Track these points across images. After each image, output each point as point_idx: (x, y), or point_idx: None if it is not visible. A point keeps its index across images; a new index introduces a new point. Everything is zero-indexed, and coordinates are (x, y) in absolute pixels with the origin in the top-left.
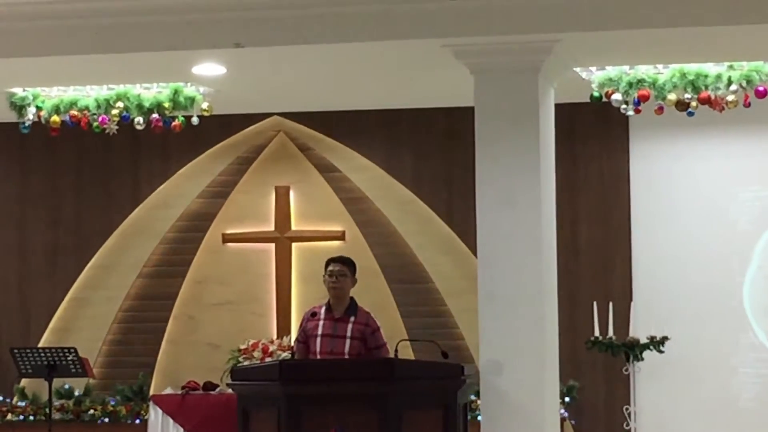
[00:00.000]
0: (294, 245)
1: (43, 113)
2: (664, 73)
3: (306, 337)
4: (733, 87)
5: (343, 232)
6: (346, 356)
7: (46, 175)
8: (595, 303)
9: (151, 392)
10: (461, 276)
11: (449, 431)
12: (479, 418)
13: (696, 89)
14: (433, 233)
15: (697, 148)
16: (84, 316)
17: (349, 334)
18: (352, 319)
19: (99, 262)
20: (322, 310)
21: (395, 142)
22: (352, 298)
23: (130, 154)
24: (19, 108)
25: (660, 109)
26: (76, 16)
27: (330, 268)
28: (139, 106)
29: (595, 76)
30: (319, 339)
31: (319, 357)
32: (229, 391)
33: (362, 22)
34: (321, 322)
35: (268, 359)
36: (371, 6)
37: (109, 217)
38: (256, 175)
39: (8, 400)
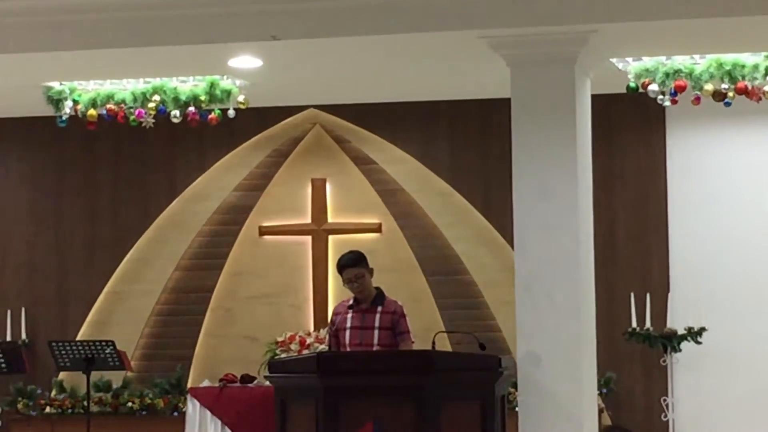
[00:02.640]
0: (330, 237)
1: (79, 107)
2: (700, 63)
3: (336, 330)
4: None
5: (380, 225)
6: (376, 347)
7: (83, 168)
8: (632, 294)
9: (189, 385)
10: (498, 268)
11: (487, 423)
12: (517, 409)
13: (733, 79)
14: (469, 225)
15: (735, 138)
16: (122, 310)
17: (377, 324)
18: (380, 309)
19: (136, 255)
20: (351, 302)
21: (432, 133)
22: (378, 288)
23: (166, 147)
24: (56, 102)
25: (697, 100)
26: (112, 10)
27: (345, 275)
28: (176, 100)
29: (632, 67)
30: (348, 331)
31: (348, 349)
32: (267, 383)
33: (398, 13)
34: (350, 315)
35: (305, 351)
36: None
37: (146, 211)
38: (293, 167)
39: (47, 393)
